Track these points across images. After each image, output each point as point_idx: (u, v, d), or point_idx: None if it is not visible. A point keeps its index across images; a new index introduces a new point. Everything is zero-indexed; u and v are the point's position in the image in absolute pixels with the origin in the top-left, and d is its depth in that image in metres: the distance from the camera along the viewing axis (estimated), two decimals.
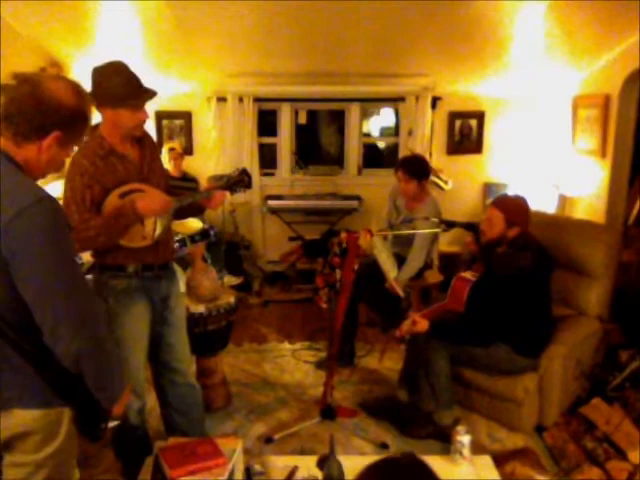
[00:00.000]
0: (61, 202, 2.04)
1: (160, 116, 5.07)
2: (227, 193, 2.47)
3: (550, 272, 2.84)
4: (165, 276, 2.37)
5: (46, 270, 1.34)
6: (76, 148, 1.62)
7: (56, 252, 1.35)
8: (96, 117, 1.79)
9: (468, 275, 2.95)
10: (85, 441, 1.56)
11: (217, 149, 5.07)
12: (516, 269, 2.72)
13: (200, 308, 2.91)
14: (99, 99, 2.07)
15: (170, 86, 4.86)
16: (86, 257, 2.98)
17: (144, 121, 2.20)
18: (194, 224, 4.28)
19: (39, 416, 1.43)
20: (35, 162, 1.42)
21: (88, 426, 1.52)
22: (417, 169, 3.68)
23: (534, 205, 2.93)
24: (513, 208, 2.82)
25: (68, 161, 1.85)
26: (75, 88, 1.46)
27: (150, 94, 2.14)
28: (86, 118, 1.49)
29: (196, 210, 2.54)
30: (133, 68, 2.11)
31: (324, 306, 2.94)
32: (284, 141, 5.30)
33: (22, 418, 1.43)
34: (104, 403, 1.50)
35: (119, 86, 2.06)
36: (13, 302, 1.35)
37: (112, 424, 1.57)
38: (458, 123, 5.21)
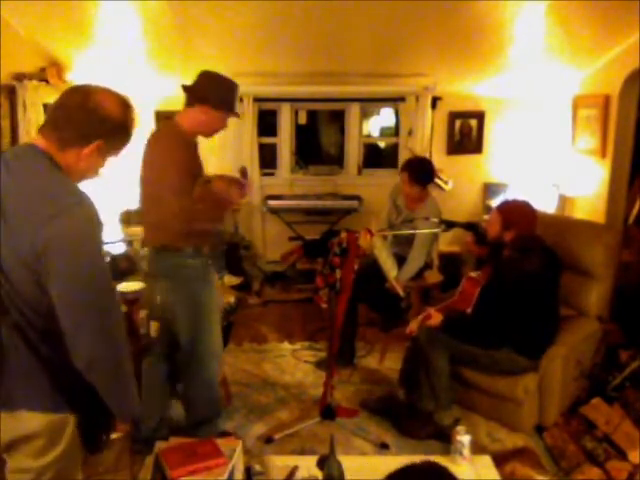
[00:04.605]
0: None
1: (160, 116, 5.06)
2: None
3: (559, 273, 2.85)
4: None
5: (74, 274, 1.35)
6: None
7: (87, 257, 1.37)
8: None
9: (478, 276, 2.96)
10: (85, 451, 1.57)
11: (217, 149, 5.07)
12: (522, 273, 2.73)
13: None
14: (203, 96, 2.31)
15: (170, 86, 4.84)
16: None
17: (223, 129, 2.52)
18: None
19: (44, 420, 1.43)
20: (74, 168, 1.45)
21: (89, 436, 1.54)
22: (422, 176, 3.66)
23: (534, 205, 2.93)
24: (510, 211, 2.85)
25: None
26: (123, 101, 1.49)
27: (238, 113, 2.49)
28: (129, 132, 1.53)
29: None
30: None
31: (324, 306, 2.94)
32: (284, 141, 5.30)
33: (27, 421, 1.42)
34: (116, 412, 1.51)
35: (229, 93, 2.39)
36: (40, 303, 1.36)
37: (115, 436, 1.59)
38: (458, 123, 5.20)
